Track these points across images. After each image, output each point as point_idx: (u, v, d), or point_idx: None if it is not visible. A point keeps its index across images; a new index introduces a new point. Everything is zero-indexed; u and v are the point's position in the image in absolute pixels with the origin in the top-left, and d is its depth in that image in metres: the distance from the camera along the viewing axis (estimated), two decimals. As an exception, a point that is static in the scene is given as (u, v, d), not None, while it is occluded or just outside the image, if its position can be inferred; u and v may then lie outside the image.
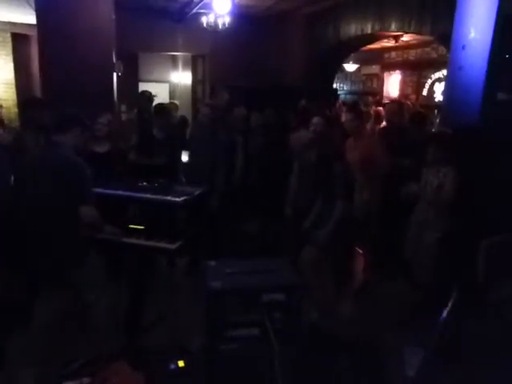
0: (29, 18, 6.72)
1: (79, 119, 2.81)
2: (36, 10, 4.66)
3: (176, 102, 7.69)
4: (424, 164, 3.57)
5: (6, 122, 4.49)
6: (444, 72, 9.44)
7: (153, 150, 4.19)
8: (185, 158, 4.86)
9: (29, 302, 2.80)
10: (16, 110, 8.20)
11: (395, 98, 10.93)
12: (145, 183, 3.24)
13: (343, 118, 5.13)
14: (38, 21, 4.69)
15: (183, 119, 5.85)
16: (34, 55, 7.69)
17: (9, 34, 8.13)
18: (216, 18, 6.86)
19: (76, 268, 2.70)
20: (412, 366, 2.50)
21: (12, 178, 2.91)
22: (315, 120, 3.83)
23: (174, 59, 10.84)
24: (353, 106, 4.81)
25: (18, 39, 8.21)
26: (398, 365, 2.80)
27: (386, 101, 10.96)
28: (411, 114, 4.59)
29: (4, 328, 2.89)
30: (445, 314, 2.29)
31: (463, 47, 3.42)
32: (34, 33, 6.21)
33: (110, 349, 2.80)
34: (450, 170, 3.34)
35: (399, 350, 2.89)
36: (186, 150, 4.75)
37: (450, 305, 2.34)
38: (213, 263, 2.86)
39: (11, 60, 8.19)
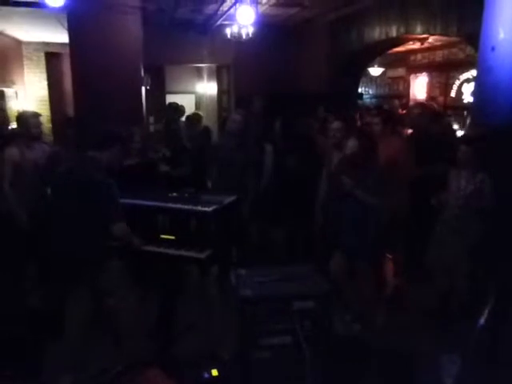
0: (61, 36, 6.99)
1: (119, 137, 2.87)
2: (68, 29, 4.84)
3: (200, 112, 7.80)
4: (453, 166, 3.51)
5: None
6: (473, 72, 9.23)
7: (181, 160, 4.27)
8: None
9: (59, 310, 2.89)
10: (50, 125, 8.51)
11: (417, 101, 10.76)
12: (175, 194, 3.30)
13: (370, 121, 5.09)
14: (70, 39, 4.86)
15: (206, 129, 5.93)
16: (66, 72, 7.98)
17: (43, 53, 8.48)
18: (240, 28, 6.94)
19: (98, 273, 2.77)
20: (450, 375, 2.45)
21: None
22: (335, 125, 3.82)
23: (199, 70, 11.02)
24: (380, 110, 4.73)
25: (51, 57, 8.55)
26: (435, 373, 2.74)
27: (411, 103, 10.82)
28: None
29: (42, 334, 3.00)
30: (482, 320, 2.23)
31: (492, 48, 3.34)
32: (66, 51, 6.44)
33: (142, 356, 2.86)
34: (487, 176, 3.26)
35: (435, 359, 2.83)
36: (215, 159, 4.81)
37: (486, 311, 2.28)
38: (243, 271, 2.88)
39: (45, 78, 8.53)
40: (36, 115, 3.91)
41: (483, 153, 3.32)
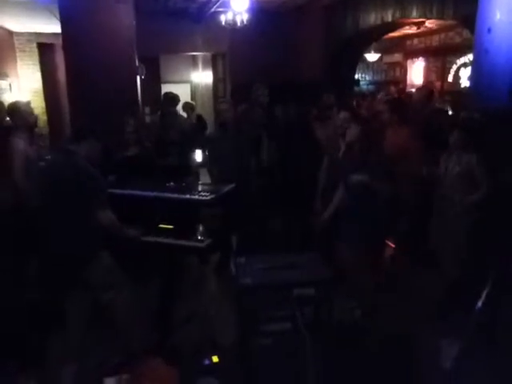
0: (53, 27, 6.91)
1: (92, 131, 2.89)
2: (60, 20, 4.78)
3: (192, 102, 7.75)
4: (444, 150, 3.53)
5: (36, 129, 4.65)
6: (470, 57, 9.18)
7: (166, 151, 4.26)
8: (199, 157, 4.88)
9: (61, 302, 2.90)
10: (45, 117, 8.45)
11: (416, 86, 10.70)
12: (172, 183, 3.29)
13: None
14: (62, 29, 4.80)
15: (199, 118, 5.90)
16: (59, 63, 7.90)
17: (35, 44, 8.37)
18: (234, 15, 6.88)
19: (88, 265, 2.76)
20: (448, 358, 2.47)
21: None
22: (342, 115, 3.76)
23: (194, 59, 10.93)
24: (394, 99, 4.64)
25: (44, 48, 8.45)
26: (434, 356, 2.77)
27: (410, 89, 10.78)
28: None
29: (43, 328, 3.01)
30: (480, 303, 2.25)
31: (489, 30, 3.32)
32: (58, 41, 6.37)
33: (144, 346, 2.88)
34: (474, 158, 3.27)
35: (434, 342, 2.85)
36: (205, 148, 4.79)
37: (485, 294, 2.29)
38: (243, 259, 2.90)
39: (38, 69, 8.44)
40: (27, 103, 3.88)
41: (476, 137, 3.33)
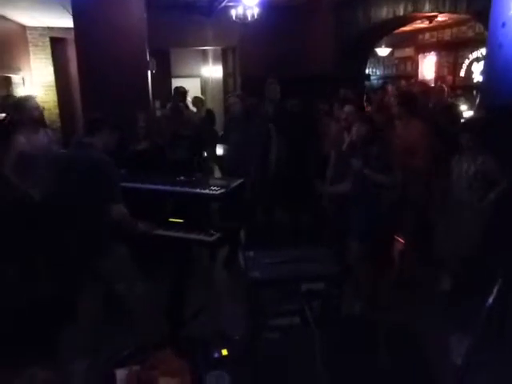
0: (66, 21, 6.96)
1: (104, 122, 2.90)
2: (72, 14, 4.81)
3: (202, 96, 7.75)
4: (457, 152, 3.49)
5: (48, 123, 4.67)
6: (482, 51, 9.06)
7: (176, 145, 4.28)
8: (219, 151, 4.92)
9: (73, 294, 2.94)
10: (57, 111, 8.53)
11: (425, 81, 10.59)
12: (182, 177, 3.31)
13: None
14: (74, 24, 4.83)
15: (209, 113, 5.90)
16: (71, 58, 7.95)
17: (47, 39, 8.44)
18: (245, 9, 6.86)
19: (101, 258, 2.79)
20: (458, 354, 2.46)
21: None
22: (347, 109, 3.77)
23: (204, 53, 10.92)
24: (403, 93, 4.58)
25: (57, 43, 8.51)
26: (443, 352, 2.76)
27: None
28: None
29: (57, 318, 3.06)
30: (491, 300, 2.24)
31: (503, 25, 3.28)
32: (71, 36, 6.41)
33: (154, 338, 2.91)
34: (489, 157, 3.25)
35: (444, 338, 2.85)
36: (220, 143, 4.81)
37: (495, 291, 2.28)
38: (251, 253, 2.91)
39: (51, 63, 8.51)
40: (31, 97, 3.84)
41: (487, 137, 3.30)
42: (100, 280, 2.83)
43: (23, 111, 3.65)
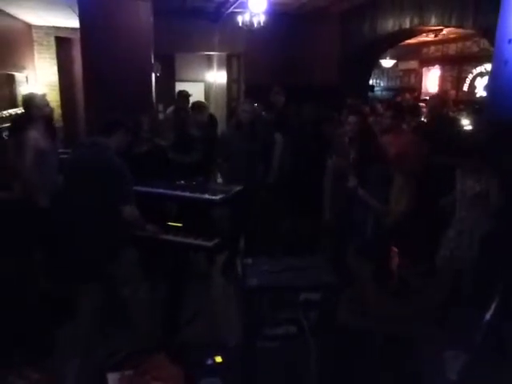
0: (71, 22, 6.98)
1: (122, 123, 2.90)
2: (79, 15, 4.82)
3: (204, 102, 7.77)
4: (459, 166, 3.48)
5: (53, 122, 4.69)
6: (486, 66, 9.10)
7: (190, 147, 4.27)
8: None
9: (72, 295, 2.92)
10: (60, 111, 8.53)
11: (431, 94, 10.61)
12: (182, 182, 3.30)
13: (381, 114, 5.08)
14: (80, 25, 4.84)
15: (212, 118, 5.90)
16: (76, 58, 7.97)
17: (53, 38, 8.46)
18: (251, 16, 6.88)
19: (111, 261, 2.78)
20: (453, 370, 2.44)
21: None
22: (351, 119, 3.75)
23: (209, 59, 10.96)
24: (393, 103, 4.70)
25: (62, 42, 8.53)
26: (439, 367, 2.74)
27: (424, 97, 10.70)
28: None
29: (51, 320, 3.03)
30: (488, 316, 2.22)
31: (509, 41, 3.28)
32: (76, 36, 6.44)
33: (149, 343, 2.89)
34: (492, 176, 3.24)
35: (439, 353, 2.83)
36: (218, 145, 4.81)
37: (492, 307, 2.27)
38: (250, 261, 2.89)
39: (55, 63, 8.52)
40: (42, 95, 3.88)
41: (489, 155, 3.30)
42: (108, 282, 2.81)
43: (35, 108, 3.67)
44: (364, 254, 3.48)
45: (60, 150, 3.98)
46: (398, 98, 10.30)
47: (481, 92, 9.73)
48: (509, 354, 2.83)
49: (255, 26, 6.92)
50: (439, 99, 4.80)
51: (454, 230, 3.49)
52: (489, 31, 4.34)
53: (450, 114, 6.43)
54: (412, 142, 3.86)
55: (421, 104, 6.58)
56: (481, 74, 9.83)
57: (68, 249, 2.74)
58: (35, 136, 3.52)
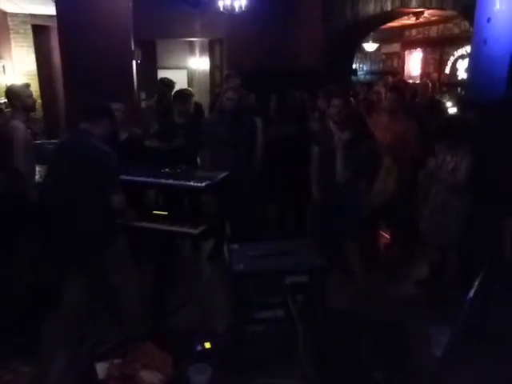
0: (48, 9, 6.79)
1: (107, 111, 2.85)
2: (55, 1, 4.69)
3: (190, 88, 7.67)
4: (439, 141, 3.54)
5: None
6: (467, 48, 9.13)
7: (173, 135, 4.22)
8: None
9: (58, 285, 2.89)
10: (39, 101, 8.34)
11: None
12: (167, 169, 3.27)
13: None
14: (57, 11, 4.71)
15: (197, 106, 5.84)
16: (54, 46, 7.78)
17: (29, 26, 8.24)
18: (232, 1, 6.79)
19: (105, 251, 2.76)
20: (439, 345, 2.50)
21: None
22: (335, 102, 3.72)
23: (191, 45, 10.81)
24: (396, 86, 4.64)
25: (39, 31, 8.32)
26: (424, 343, 2.80)
27: (407, 80, 10.74)
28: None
29: (37, 311, 3.01)
30: (472, 292, 2.27)
31: (488, 20, 3.30)
32: (53, 24, 6.26)
33: (137, 331, 2.89)
34: (467, 154, 3.29)
35: (424, 329, 2.88)
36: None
37: (476, 284, 2.31)
38: (236, 246, 2.90)
39: (33, 52, 8.32)
40: (27, 85, 3.80)
41: (468, 137, 3.35)
42: (97, 270, 2.78)
43: (18, 98, 3.60)
44: (353, 236, 3.51)
45: (42, 141, 3.91)
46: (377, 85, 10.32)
47: (462, 74, 9.79)
48: (493, 329, 2.91)
49: (236, 10, 6.84)
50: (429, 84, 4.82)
51: (430, 204, 3.55)
52: (469, 11, 4.35)
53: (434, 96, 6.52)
54: (409, 130, 3.87)
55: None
56: (462, 57, 9.88)
57: (57, 238, 2.71)
58: (21, 126, 3.46)
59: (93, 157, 2.64)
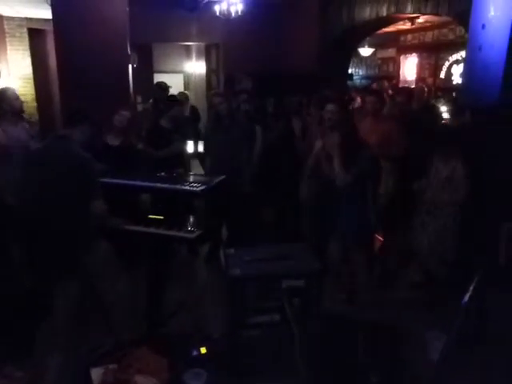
0: (44, 12, 6.78)
1: (86, 116, 2.83)
2: (51, 5, 4.69)
3: (186, 92, 7.67)
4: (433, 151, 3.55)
5: (26, 116, 4.53)
6: (462, 54, 9.21)
7: (160, 140, 4.23)
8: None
9: (49, 291, 2.87)
10: (35, 104, 8.33)
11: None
12: (163, 173, 3.27)
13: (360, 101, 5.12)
14: (53, 15, 4.71)
15: (193, 110, 5.85)
16: (50, 50, 7.76)
17: (25, 30, 8.22)
18: (229, 5, 6.81)
19: (84, 256, 2.74)
20: (435, 350, 2.50)
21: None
22: (329, 107, 3.67)
23: (187, 49, 10.83)
24: (375, 90, 4.74)
25: (35, 34, 8.30)
26: (420, 348, 2.80)
27: (403, 85, 10.81)
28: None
29: (31, 316, 2.98)
30: (467, 297, 2.27)
31: (483, 26, 3.33)
32: (49, 27, 6.25)
33: (132, 336, 2.87)
34: (459, 164, 3.30)
35: (420, 334, 2.89)
36: (201, 140, 4.78)
37: (472, 288, 2.32)
38: (232, 251, 2.89)
39: (29, 55, 8.30)
40: (12, 89, 3.81)
41: (460, 146, 3.37)
42: (84, 276, 2.77)
43: (5, 101, 3.59)
44: (351, 240, 3.49)
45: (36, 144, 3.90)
46: (374, 85, 10.41)
47: (457, 79, 9.86)
48: (489, 333, 2.91)
49: (233, 15, 6.86)
50: (425, 89, 4.88)
51: (423, 213, 3.56)
52: (464, 17, 4.39)
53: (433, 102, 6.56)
54: (392, 129, 3.90)
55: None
56: (457, 62, 9.95)
57: (40, 245, 2.69)
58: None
59: (72, 163, 2.62)
